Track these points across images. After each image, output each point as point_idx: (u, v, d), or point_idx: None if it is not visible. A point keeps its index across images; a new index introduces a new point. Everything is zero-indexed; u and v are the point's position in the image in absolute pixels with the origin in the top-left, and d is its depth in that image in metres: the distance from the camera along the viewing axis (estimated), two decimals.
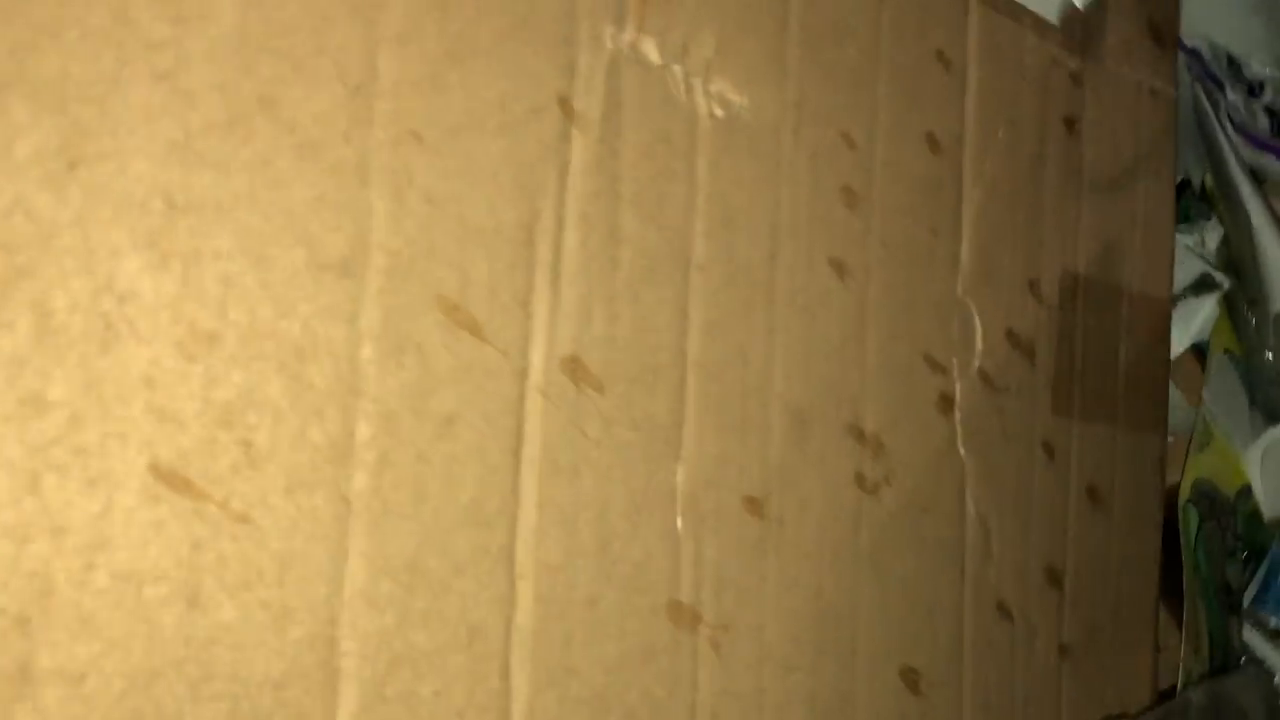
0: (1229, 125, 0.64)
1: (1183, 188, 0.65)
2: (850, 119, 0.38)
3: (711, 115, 0.34)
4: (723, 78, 0.34)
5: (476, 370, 0.29)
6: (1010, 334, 0.44)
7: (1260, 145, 0.63)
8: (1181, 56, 0.64)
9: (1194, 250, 0.63)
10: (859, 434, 0.38)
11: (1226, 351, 0.61)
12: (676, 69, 0.33)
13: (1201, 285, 0.61)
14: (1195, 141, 0.65)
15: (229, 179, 0.25)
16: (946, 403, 0.41)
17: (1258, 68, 0.66)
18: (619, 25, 0.32)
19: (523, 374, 0.30)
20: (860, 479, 0.38)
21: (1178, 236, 0.65)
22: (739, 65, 0.35)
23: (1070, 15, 0.46)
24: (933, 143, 0.41)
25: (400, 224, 0.28)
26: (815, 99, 0.37)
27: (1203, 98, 0.64)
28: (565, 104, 0.31)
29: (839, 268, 0.38)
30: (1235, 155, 0.63)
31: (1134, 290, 0.50)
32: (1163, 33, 0.52)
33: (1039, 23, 0.45)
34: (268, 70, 0.26)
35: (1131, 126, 0.50)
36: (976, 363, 0.43)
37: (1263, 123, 0.65)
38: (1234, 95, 0.65)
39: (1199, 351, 0.62)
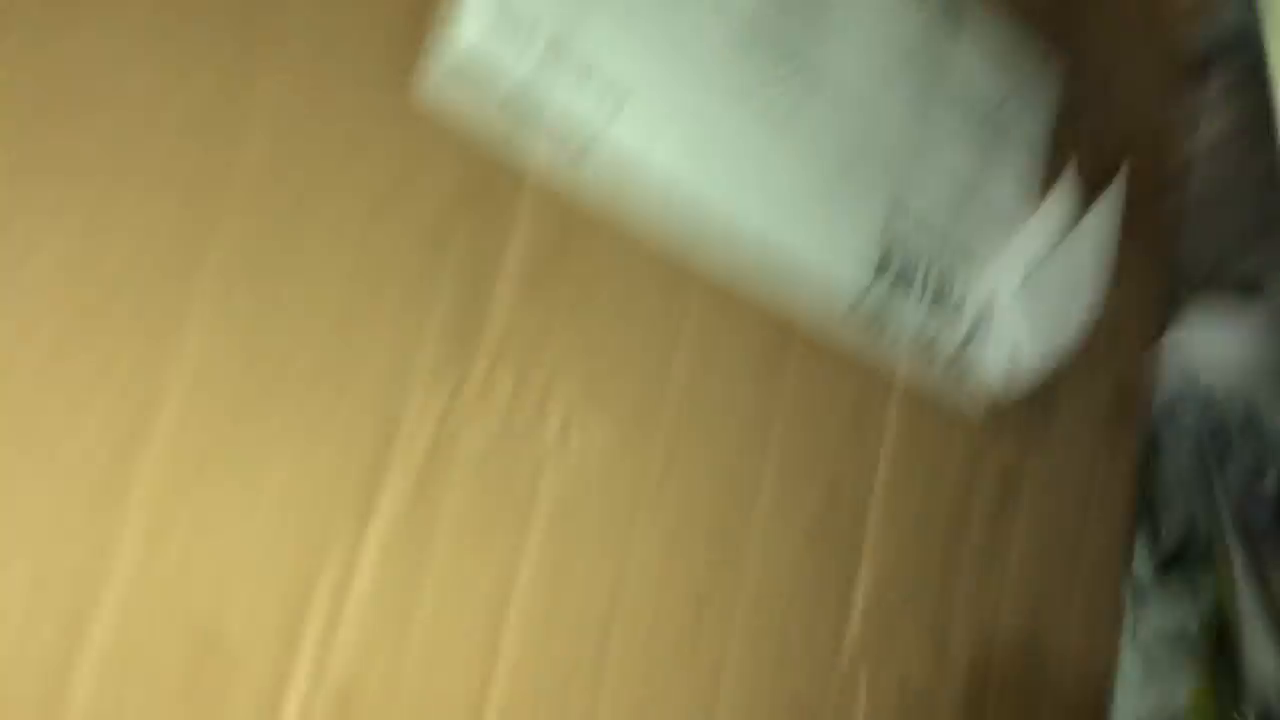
0: (1224, 500, 0.59)
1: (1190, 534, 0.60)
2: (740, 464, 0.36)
3: (563, 458, 0.33)
4: (585, 419, 0.33)
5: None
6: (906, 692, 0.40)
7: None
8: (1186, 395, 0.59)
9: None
10: None
11: None
12: (529, 407, 0.32)
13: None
14: (1197, 492, 0.61)
15: None
16: None
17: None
18: (464, 363, 0.31)
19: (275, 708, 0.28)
20: None
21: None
22: (606, 408, 0.34)
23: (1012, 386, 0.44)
24: (835, 491, 0.38)
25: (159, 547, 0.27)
26: (688, 449, 0.35)
27: (1203, 453, 0.60)
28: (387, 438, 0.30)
29: (699, 607, 0.35)
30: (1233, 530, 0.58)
31: (1067, 657, 0.45)
32: (1126, 399, 0.49)
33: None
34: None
35: (1076, 501, 0.47)
36: None
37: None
38: (1238, 462, 0.60)
39: None
